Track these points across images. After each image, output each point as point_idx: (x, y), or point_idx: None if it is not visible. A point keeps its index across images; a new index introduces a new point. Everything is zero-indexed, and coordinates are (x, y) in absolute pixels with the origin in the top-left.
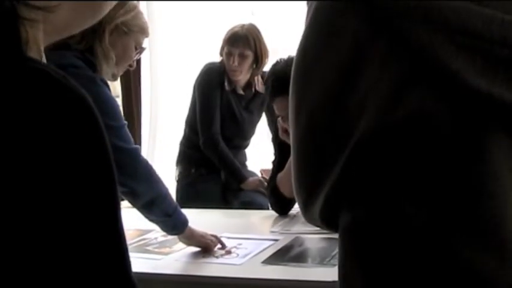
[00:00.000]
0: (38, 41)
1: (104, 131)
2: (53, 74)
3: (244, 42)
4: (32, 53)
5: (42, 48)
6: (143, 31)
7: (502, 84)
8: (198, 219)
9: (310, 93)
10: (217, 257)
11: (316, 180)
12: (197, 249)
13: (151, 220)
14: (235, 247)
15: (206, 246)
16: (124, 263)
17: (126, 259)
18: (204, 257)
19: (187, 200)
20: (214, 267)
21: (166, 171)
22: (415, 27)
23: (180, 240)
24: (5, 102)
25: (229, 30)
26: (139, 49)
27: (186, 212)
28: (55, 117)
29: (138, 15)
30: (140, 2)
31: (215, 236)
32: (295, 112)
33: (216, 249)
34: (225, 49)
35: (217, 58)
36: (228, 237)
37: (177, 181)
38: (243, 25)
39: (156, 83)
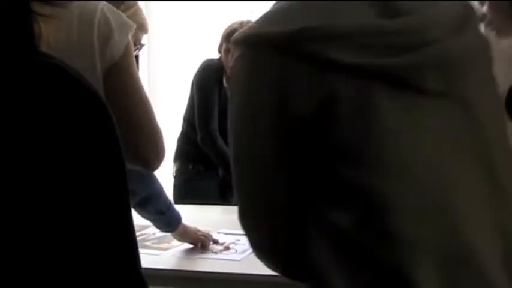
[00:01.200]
0: (50, 36)
1: (115, 125)
2: (66, 69)
3: None
4: (44, 48)
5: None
6: (142, 28)
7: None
8: (196, 215)
9: (245, 131)
10: (215, 253)
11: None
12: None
13: (145, 217)
14: (233, 243)
15: (201, 242)
16: (135, 258)
17: (137, 254)
18: (202, 252)
19: (184, 197)
20: (213, 263)
21: (164, 167)
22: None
23: (174, 237)
24: (19, 96)
25: (228, 27)
26: (139, 46)
27: (183, 208)
28: (69, 112)
29: (138, 11)
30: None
31: (206, 234)
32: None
33: (212, 245)
34: (224, 46)
35: (215, 55)
36: (226, 233)
37: (175, 177)
38: (242, 22)
39: (153, 79)
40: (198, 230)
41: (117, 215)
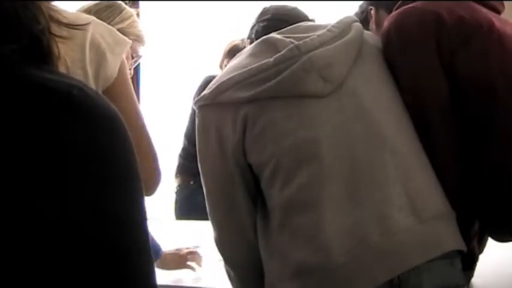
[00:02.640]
0: (67, 56)
1: (132, 144)
2: (85, 89)
3: None
4: (62, 68)
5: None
6: (139, 39)
7: None
8: (197, 231)
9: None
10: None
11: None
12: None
13: None
14: None
15: (188, 265)
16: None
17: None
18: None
19: (186, 212)
20: (213, 280)
21: (165, 183)
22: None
23: (158, 267)
24: (39, 115)
25: (229, 43)
26: (136, 57)
27: (184, 223)
28: (90, 133)
29: (134, 23)
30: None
31: (190, 252)
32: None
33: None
34: (225, 62)
35: (216, 70)
36: None
37: (176, 193)
38: (243, 39)
39: (154, 94)
40: (180, 251)
41: (135, 231)
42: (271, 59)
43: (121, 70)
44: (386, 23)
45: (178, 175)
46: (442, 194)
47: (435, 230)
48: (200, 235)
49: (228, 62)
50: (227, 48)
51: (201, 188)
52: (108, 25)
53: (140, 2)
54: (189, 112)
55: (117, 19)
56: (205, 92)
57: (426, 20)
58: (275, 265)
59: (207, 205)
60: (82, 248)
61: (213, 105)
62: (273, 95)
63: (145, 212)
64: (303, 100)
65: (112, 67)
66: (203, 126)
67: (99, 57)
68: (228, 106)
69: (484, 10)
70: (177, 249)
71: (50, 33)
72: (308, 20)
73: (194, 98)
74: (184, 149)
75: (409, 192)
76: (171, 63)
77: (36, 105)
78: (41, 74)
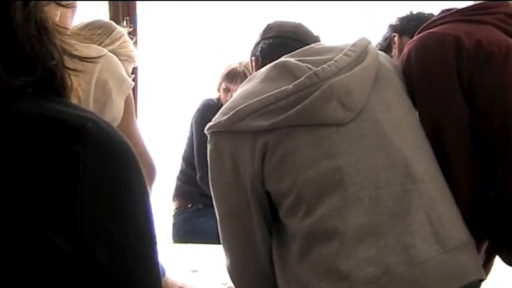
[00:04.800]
0: (79, 89)
1: (143, 172)
2: (99, 122)
3: (242, 78)
4: (75, 100)
5: (82, 96)
6: (131, 59)
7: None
8: (194, 254)
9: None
10: None
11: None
12: None
13: None
14: None
15: None
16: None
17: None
18: None
19: (183, 235)
20: None
21: (163, 206)
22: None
23: None
24: (53, 147)
25: (228, 67)
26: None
27: (182, 247)
28: (104, 164)
29: (125, 44)
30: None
31: None
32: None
33: None
34: (223, 85)
35: (213, 91)
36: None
37: (173, 216)
38: (241, 62)
39: (151, 116)
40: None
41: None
42: (290, 86)
43: (127, 107)
44: (406, 48)
45: (176, 198)
46: (463, 222)
47: (459, 260)
48: (198, 258)
49: (226, 85)
50: (225, 72)
51: (199, 211)
52: (118, 61)
53: (138, 3)
54: (187, 135)
55: (107, 41)
56: (220, 118)
57: (446, 44)
58: None
59: (220, 232)
60: (93, 280)
61: (229, 132)
62: (293, 124)
63: (155, 235)
64: (323, 128)
65: (118, 108)
66: (217, 153)
67: (105, 97)
68: (246, 134)
69: (504, 35)
70: (182, 286)
71: (64, 66)
72: (313, 36)
73: (195, 122)
74: (182, 172)
75: (432, 220)
76: (167, 85)
77: (51, 138)
78: (54, 107)
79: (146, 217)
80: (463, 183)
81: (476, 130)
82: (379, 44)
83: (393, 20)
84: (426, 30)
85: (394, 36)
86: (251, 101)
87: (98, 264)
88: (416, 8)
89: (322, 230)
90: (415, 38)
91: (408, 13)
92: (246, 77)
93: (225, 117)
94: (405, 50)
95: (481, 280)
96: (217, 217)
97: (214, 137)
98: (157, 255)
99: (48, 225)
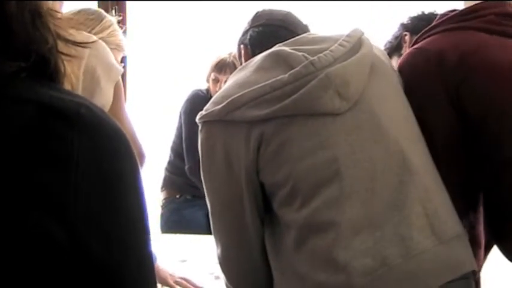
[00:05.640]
0: (72, 75)
1: (136, 160)
2: (92, 108)
3: (231, 69)
4: (68, 86)
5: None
6: (119, 48)
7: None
8: (183, 245)
9: (215, 191)
10: None
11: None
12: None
13: None
14: None
15: None
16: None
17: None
18: None
19: (172, 226)
20: None
21: (151, 196)
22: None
23: None
24: (47, 133)
25: (217, 57)
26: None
27: (170, 237)
28: (98, 150)
29: (114, 32)
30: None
31: (184, 279)
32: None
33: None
34: (212, 75)
35: (202, 82)
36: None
37: (162, 206)
38: (230, 52)
39: (139, 108)
40: (173, 276)
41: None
42: (286, 76)
43: (116, 93)
44: (399, 62)
45: (164, 189)
46: (457, 214)
47: (455, 251)
48: (186, 249)
49: (215, 76)
50: (214, 62)
51: (187, 202)
52: (107, 47)
53: (127, 2)
54: (175, 126)
55: (97, 28)
56: (214, 108)
57: (429, 60)
58: (291, 284)
59: (211, 222)
60: (87, 269)
61: (222, 122)
62: (289, 113)
63: (148, 225)
64: (319, 118)
65: (107, 96)
66: (209, 143)
67: (94, 85)
68: (241, 124)
69: (485, 37)
70: (172, 274)
71: (57, 51)
72: (302, 25)
73: (184, 113)
74: (170, 163)
75: (428, 212)
76: (157, 75)
77: (44, 124)
78: (48, 92)
79: (140, 206)
80: (447, 183)
81: (471, 138)
82: (389, 42)
83: (404, 19)
84: (423, 37)
85: (406, 35)
86: (246, 91)
87: (92, 254)
88: (415, 8)
89: (318, 221)
90: (406, 53)
91: (420, 13)
92: (235, 67)
93: (219, 106)
94: (398, 64)
95: (474, 271)
96: (209, 207)
97: (207, 126)
98: (150, 245)
99: (42, 214)
